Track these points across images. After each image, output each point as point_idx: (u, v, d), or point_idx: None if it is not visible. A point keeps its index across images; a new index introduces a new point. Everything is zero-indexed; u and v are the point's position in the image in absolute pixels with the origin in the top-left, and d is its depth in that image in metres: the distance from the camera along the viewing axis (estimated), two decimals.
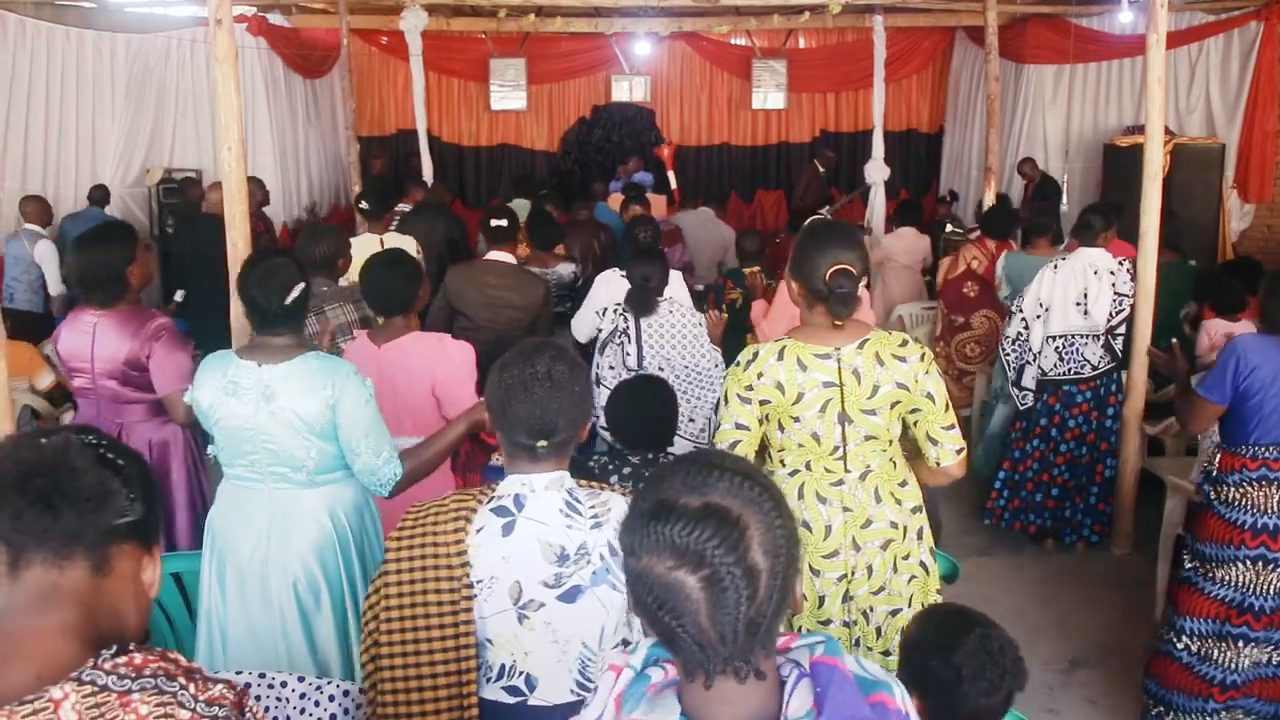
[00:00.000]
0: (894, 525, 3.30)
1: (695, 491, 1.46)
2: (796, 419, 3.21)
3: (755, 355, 3.24)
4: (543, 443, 2.42)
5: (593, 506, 2.43)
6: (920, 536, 3.40)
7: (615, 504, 2.44)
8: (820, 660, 1.50)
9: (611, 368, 5.31)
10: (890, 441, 3.29)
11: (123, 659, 1.48)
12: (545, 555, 2.38)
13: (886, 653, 3.36)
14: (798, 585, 1.51)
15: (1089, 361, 6.15)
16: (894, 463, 3.33)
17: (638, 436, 3.93)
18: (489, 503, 2.46)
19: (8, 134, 9.66)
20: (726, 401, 3.27)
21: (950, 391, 3.47)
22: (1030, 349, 6.22)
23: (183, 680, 1.51)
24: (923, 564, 3.41)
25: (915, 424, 3.30)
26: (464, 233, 9.05)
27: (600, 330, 5.45)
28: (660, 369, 5.22)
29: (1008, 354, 6.37)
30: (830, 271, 3.13)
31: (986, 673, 2.41)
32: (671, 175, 13.09)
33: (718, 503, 1.44)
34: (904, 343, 3.24)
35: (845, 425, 3.21)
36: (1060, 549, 6.40)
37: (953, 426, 3.31)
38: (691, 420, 5.31)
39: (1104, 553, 6.37)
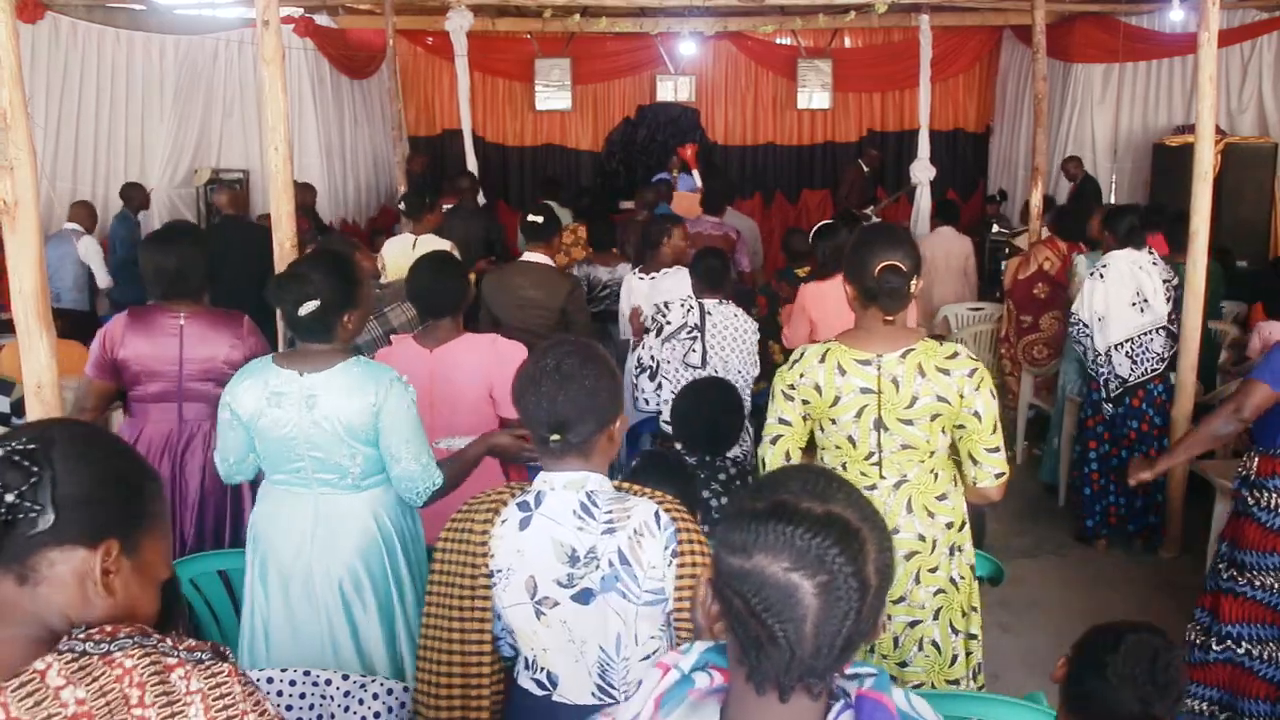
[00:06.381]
0: (921, 538, 3.29)
1: (817, 498, 1.44)
2: (833, 421, 3.26)
3: (801, 355, 3.30)
4: (555, 436, 2.40)
5: (609, 511, 2.39)
6: (953, 552, 3.36)
7: (638, 512, 2.39)
8: (867, 694, 1.48)
9: (669, 361, 5.33)
10: (931, 453, 3.27)
11: (94, 629, 1.53)
12: (557, 554, 2.38)
13: (903, 664, 3.36)
14: (884, 612, 1.50)
15: (1158, 354, 6.10)
16: (934, 475, 3.31)
17: (702, 438, 3.95)
18: (518, 496, 2.48)
19: (59, 135, 9.79)
20: (773, 398, 3.35)
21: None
22: (1100, 355, 6.17)
23: (158, 636, 1.56)
24: (953, 580, 3.37)
25: (960, 439, 3.29)
26: (501, 234, 9.12)
27: (668, 322, 5.44)
28: (716, 370, 5.27)
29: (1103, 373, 6.24)
30: (880, 268, 3.15)
31: (1141, 679, 2.33)
32: (696, 175, 12.99)
33: (839, 513, 1.43)
34: (953, 355, 3.22)
35: (881, 432, 3.22)
36: (1112, 547, 6.37)
37: (997, 449, 3.28)
38: None
39: (1152, 556, 6.30)
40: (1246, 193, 10.52)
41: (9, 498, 1.55)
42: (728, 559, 1.45)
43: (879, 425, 3.22)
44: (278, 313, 4.81)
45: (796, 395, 3.28)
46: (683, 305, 5.45)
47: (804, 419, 3.32)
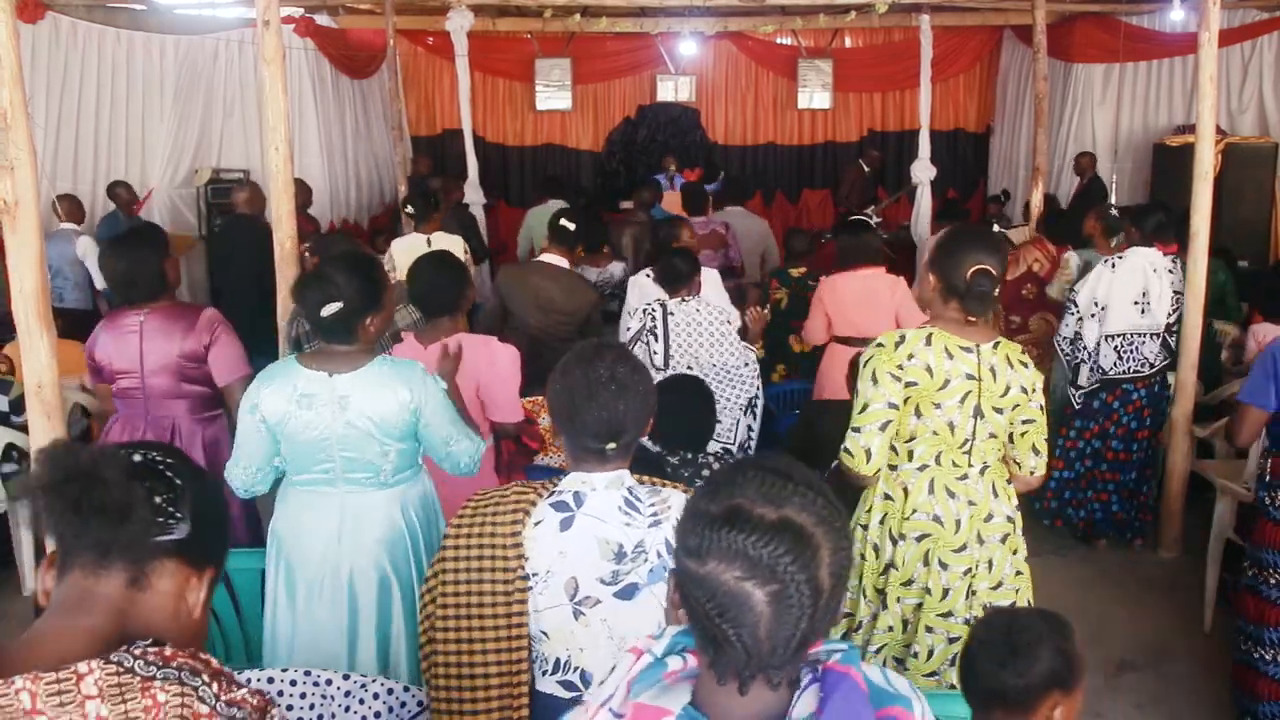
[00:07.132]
0: (1009, 519, 3.44)
1: (771, 503, 1.43)
2: (938, 405, 3.31)
3: (904, 338, 3.33)
4: (612, 445, 2.42)
5: (652, 505, 2.42)
6: (1022, 532, 3.53)
7: (675, 501, 2.43)
8: (833, 667, 1.49)
9: None
10: (1003, 443, 3.41)
11: (154, 650, 1.51)
12: (603, 552, 2.38)
13: None
14: (843, 603, 1.51)
15: (1147, 359, 6.10)
16: (1001, 461, 3.47)
17: (681, 435, 3.93)
18: (549, 497, 2.47)
19: (59, 135, 9.77)
20: (875, 381, 3.32)
21: None
22: (1085, 347, 6.16)
23: (206, 678, 1.52)
24: (1025, 559, 3.55)
25: (1023, 434, 3.40)
26: (477, 235, 9.18)
27: (628, 329, 5.44)
28: (689, 367, 5.23)
29: (1066, 353, 6.33)
30: (972, 271, 3.24)
31: (995, 643, 2.35)
32: (678, 179, 13.04)
33: (793, 518, 1.42)
34: (1023, 351, 3.41)
35: (977, 420, 3.32)
36: (1112, 547, 6.36)
37: (1048, 438, 3.47)
38: (719, 420, 5.29)
39: (1151, 555, 6.31)
40: (1246, 193, 10.52)
41: (157, 499, 1.57)
42: (684, 561, 1.46)
43: (977, 412, 3.31)
44: (277, 310, 4.81)
45: (904, 377, 3.28)
46: (644, 311, 5.45)
47: (905, 403, 3.33)
